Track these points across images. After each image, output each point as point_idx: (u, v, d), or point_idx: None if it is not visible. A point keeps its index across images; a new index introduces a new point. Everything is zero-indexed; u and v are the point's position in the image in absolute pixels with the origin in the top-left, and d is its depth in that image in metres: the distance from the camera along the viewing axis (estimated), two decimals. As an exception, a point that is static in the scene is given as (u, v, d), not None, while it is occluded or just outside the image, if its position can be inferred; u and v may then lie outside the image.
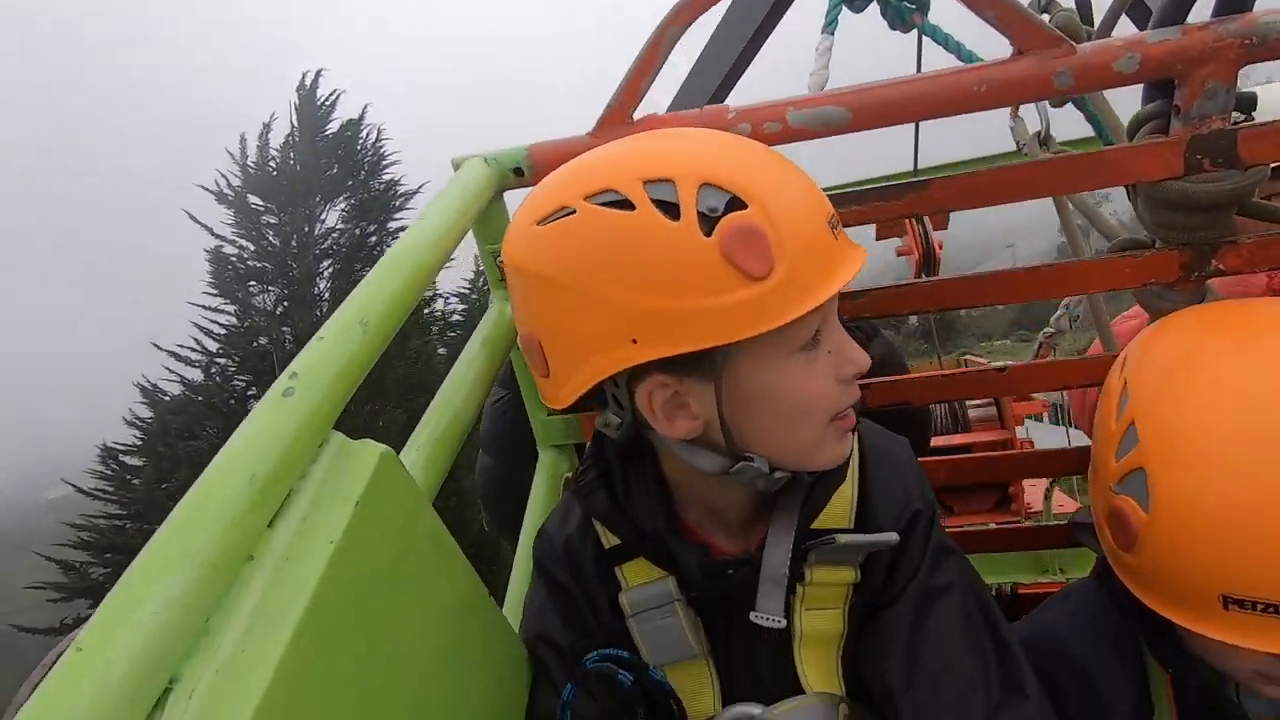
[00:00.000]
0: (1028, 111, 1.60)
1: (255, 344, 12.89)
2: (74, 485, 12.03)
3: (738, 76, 1.95)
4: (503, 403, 1.53)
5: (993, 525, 1.32)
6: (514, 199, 1.11)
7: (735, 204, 0.64)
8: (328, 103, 13.95)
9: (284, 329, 12.98)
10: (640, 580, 0.84)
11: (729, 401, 0.70)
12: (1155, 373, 0.81)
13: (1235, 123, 0.90)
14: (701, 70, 1.93)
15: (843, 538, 0.79)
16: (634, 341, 0.66)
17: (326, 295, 13.36)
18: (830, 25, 1.62)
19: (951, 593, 0.81)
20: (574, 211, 0.67)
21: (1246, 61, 0.87)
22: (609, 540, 0.85)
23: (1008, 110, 1.68)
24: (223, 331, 13.13)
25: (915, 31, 1.65)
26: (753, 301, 0.64)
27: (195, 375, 12.72)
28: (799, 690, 0.83)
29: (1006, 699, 0.77)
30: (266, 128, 13.67)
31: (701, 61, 1.96)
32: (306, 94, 13.91)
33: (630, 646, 0.84)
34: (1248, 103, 0.92)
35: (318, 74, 13.95)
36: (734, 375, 0.69)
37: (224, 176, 13.35)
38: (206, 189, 13.26)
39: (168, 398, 12.37)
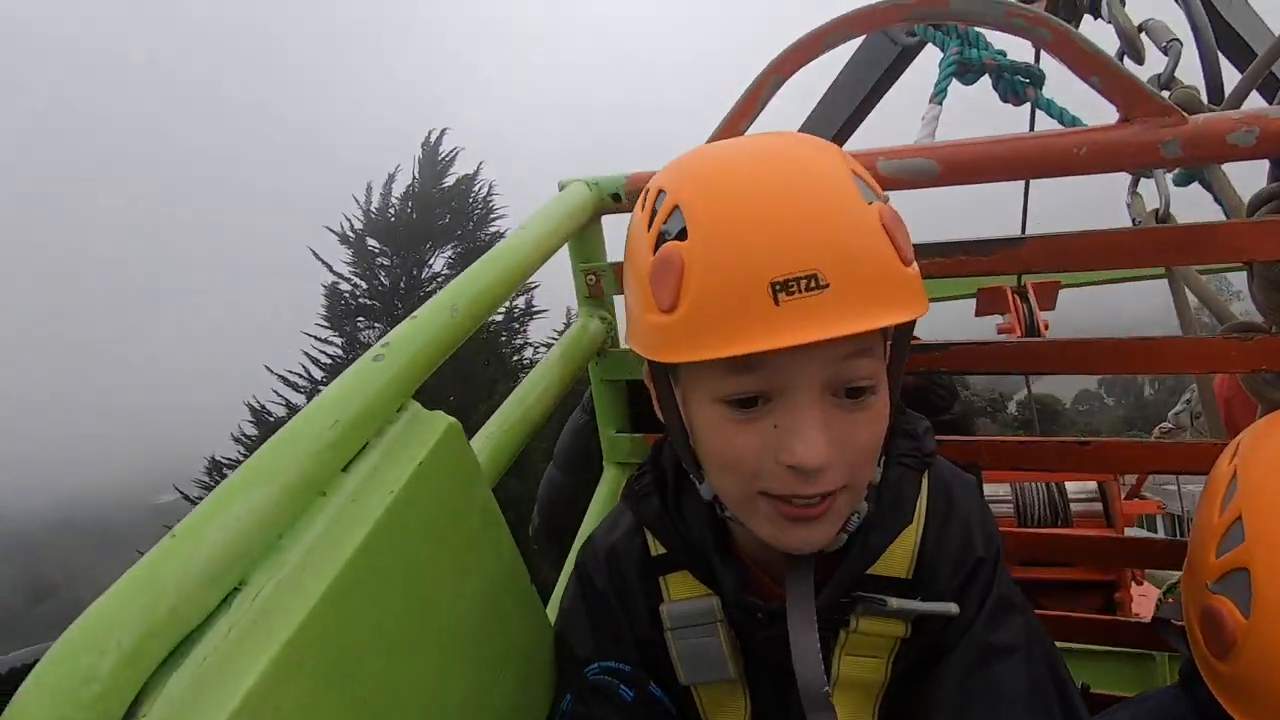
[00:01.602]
0: (1147, 190, 1.55)
1: (354, 375, 13.62)
2: (182, 493, 12.84)
3: (855, 126, 1.99)
4: (585, 427, 1.58)
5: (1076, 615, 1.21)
6: (612, 224, 1.18)
7: (682, 234, 0.64)
8: (447, 158, 15.02)
9: (382, 363, 13.64)
10: (683, 595, 0.82)
11: (686, 414, 0.72)
12: (1269, 467, 0.75)
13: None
14: (817, 118, 1.99)
15: (895, 603, 0.75)
16: (628, 325, 0.74)
17: (425, 335, 14.02)
18: (939, 95, 1.64)
19: (1014, 655, 0.74)
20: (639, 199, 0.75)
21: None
22: (656, 548, 0.84)
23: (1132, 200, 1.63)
24: (329, 361, 13.96)
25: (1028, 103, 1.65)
26: (660, 329, 0.65)
27: (300, 400, 13.51)
28: None
29: None
30: (391, 178, 14.82)
31: (819, 109, 2.02)
32: (430, 149, 15.04)
33: (665, 659, 0.82)
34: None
35: (442, 131, 15.09)
36: (682, 392, 0.71)
37: (348, 220, 14.49)
38: (332, 230, 14.40)
39: (273, 419, 13.14)
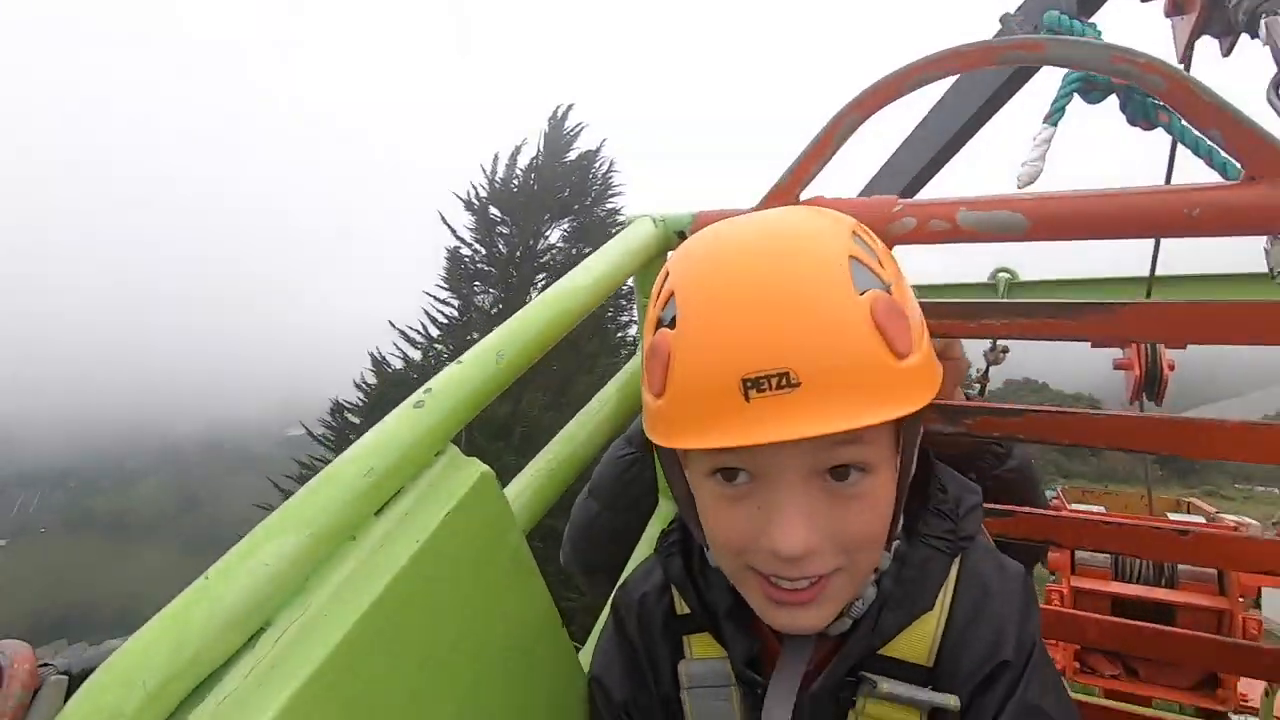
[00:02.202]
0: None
1: (469, 337, 14.31)
2: (306, 429, 14.08)
3: (938, 168, 1.86)
4: (626, 459, 1.57)
5: (1185, 711, 1.11)
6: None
7: (673, 323, 0.67)
8: (572, 133, 15.29)
9: (495, 328, 14.28)
10: (703, 654, 0.83)
11: (692, 488, 0.73)
12: None
13: None
14: (899, 160, 1.87)
15: (887, 686, 0.72)
16: None
17: (536, 305, 14.53)
18: (1055, 115, 1.50)
19: None
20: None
21: None
22: (681, 607, 0.85)
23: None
24: (445, 322, 14.75)
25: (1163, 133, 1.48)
26: (653, 410, 0.69)
27: (416, 355, 14.38)
28: None
29: None
30: (517, 150, 15.28)
31: (904, 146, 1.90)
32: (556, 123, 15.36)
33: (680, 716, 0.83)
34: None
35: (569, 107, 15.35)
36: (686, 464, 0.73)
37: (474, 188, 15.11)
38: (459, 197, 15.08)
39: (391, 370, 14.10)
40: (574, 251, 14.72)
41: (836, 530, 0.65)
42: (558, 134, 15.37)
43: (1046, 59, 0.84)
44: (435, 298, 14.75)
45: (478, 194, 15.17)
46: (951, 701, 0.70)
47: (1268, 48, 1.25)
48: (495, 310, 14.66)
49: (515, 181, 15.19)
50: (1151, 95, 0.84)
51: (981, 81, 1.75)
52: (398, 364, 14.12)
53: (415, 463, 0.70)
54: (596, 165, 15.22)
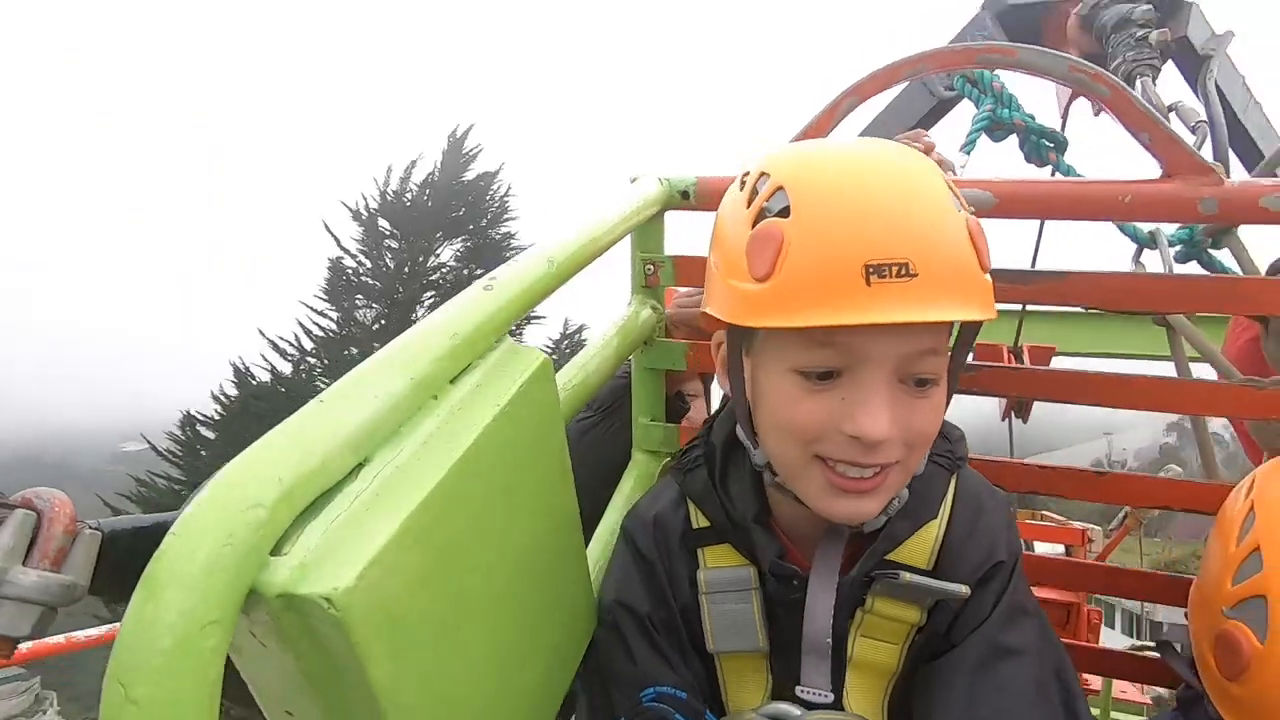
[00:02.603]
0: (1150, 260, 1.65)
1: (347, 352, 13.60)
2: (149, 442, 12.73)
3: None
4: (585, 423, 1.61)
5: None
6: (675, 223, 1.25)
7: (784, 213, 0.69)
8: (471, 153, 15.15)
9: (375, 345, 13.68)
10: (720, 564, 0.87)
11: (749, 382, 0.78)
12: None
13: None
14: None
15: (908, 577, 0.79)
16: (707, 294, 0.81)
17: (422, 323, 14.10)
18: (968, 147, 1.74)
19: (1024, 657, 0.79)
20: (735, 181, 0.82)
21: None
22: (699, 521, 0.89)
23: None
24: (321, 334, 13.95)
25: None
26: (749, 296, 0.70)
27: (286, 368, 13.46)
28: (841, 706, 0.83)
29: None
30: (412, 164, 14.93)
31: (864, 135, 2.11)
32: (455, 141, 15.17)
33: (697, 627, 0.86)
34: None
35: (469, 127, 15.24)
36: (753, 360, 0.77)
37: (364, 199, 14.55)
38: (347, 206, 14.46)
39: (255, 382, 13.10)
40: (465, 272, 14.47)
41: (906, 424, 0.71)
42: (456, 153, 15.18)
43: (1019, 63, 1.00)
44: (313, 309, 13.97)
45: (367, 205, 14.63)
46: (964, 589, 0.79)
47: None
48: (377, 326, 14.06)
49: (408, 196, 14.79)
50: (1096, 102, 1.02)
51: (908, 111, 1.99)
52: (264, 376, 13.16)
53: (485, 340, 0.72)
54: (494, 187, 15.13)
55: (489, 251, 14.60)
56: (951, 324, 0.75)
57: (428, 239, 14.59)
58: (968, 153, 1.74)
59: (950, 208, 0.70)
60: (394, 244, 14.60)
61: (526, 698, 0.77)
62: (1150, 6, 1.61)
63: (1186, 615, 0.95)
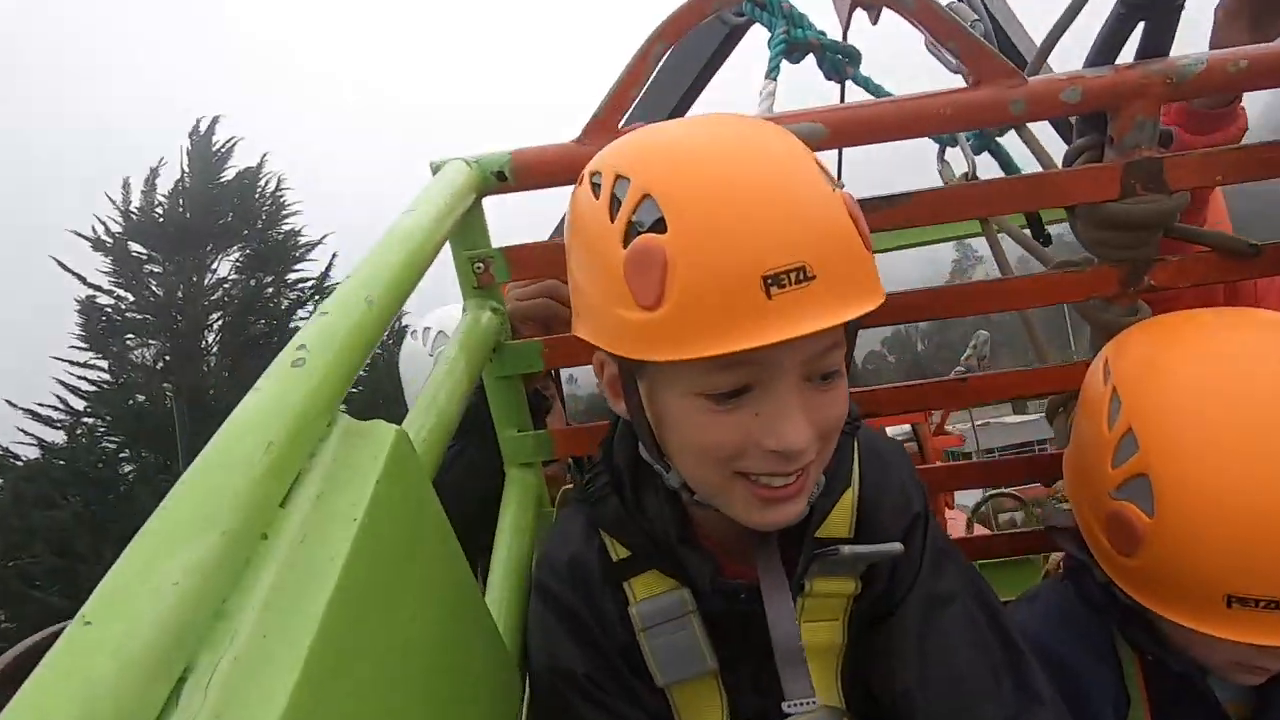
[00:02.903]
0: (954, 157, 1.73)
1: (131, 401, 11.85)
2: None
3: (688, 106, 2.01)
4: (452, 451, 1.45)
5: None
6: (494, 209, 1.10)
7: (659, 225, 0.63)
8: (224, 149, 13.41)
9: (165, 385, 12.02)
10: (651, 593, 0.80)
11: (648, 404, 0.71)
12: (1148, 380, 0.84)
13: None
14: (650, 100, 2.00)
15: (847, 549, 0.77)
16: (579, 315, 0.74)
17: (215, 349, 12.54)
18: (772, 72, 1.72)
19: (956, 601, 0.81)
20: (582, 182, 0.72)
21: (1168, 99, 0.99)
22: (618, 553, 0.81)
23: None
24: (92, 388, 12.02)
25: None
26: (641, 328, 0.63)
27: (57, 437, 11.49)
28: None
29: (1023, 706, 0.77)
30: (154, 172, 12.98)
31: (651, 90, 2.02)
32: (200, 139, 13.33)
33: (640, 664, 0.80)
34: (1166, 138, 1.04)
35: (214, 120, 13.42)
36: (649, 383, 0.71)
37: (102, 223, 12.47)
38: (81, 235, 12.33)
39: (21, 462, 11.08)
40: (253, 282, 12.99)
41: (820, 424, 0.67)
42: (205, 151, 13.35)
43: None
44: (72, 362, 11.94)
45: (108, 230, 12.54)
46: (898, 546, 0.77)
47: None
48: (161, 364, 12.34)
49: (159, 210, 12.87)
50: (903, 14, 0.99)
51: (702, 45, 1.93)
52: (32, 452, 11.15)
53: (312, 431, 0.56)
54: (261, 184, 13.53)
55: (275, 255, 13.18)
56: None
57: (197, 255, 12.84)
58: (774, 77, 1.72)
59: (827, 189, 0.65)
60: (155, 268, 12.73)
61: None
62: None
63: (1061, 493, 1.02)
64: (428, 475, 0.67)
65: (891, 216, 1.03)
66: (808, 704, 0.74)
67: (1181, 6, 0.96)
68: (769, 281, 0.60)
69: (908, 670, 0.78)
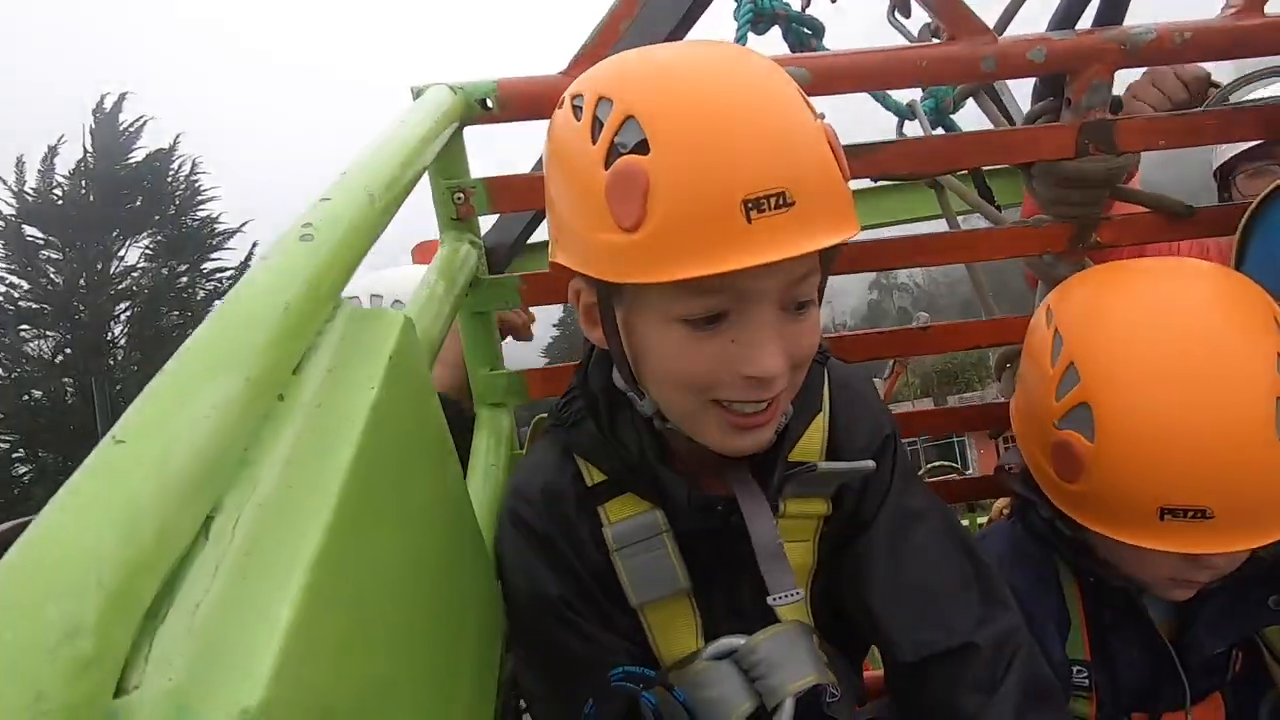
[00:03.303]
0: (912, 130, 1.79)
1: (25, 397, 10.97)
2: None
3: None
4: None
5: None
6: (476, 141, 1.07)
7: (642, 147, 0.62)
8: (132, 129, 12.60)
9: (65, 380, 11.18)
10: (625, 515, 0.80)
11: (623, 331, 0.71)
12: (1088, 320, 0.91)
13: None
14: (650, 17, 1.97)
15: (823, 465, 0.80)
16: (557, 241, 0.72)
17: (123, 341, 11.74)
18: (740, 41, 1.75)
19: (928, 516, 0.84)
20: (563, 105, 0.71)
21: (1121, 65, 1.06)
22: (593, 477, 0.81)
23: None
24: (-22, 381, 11.07)
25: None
26: (621, 250, 0.63)
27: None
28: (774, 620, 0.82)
29: (990, 613, 0.81)
30: (52, 150, 12.06)
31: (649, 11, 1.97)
32: (106, 117, 12.49)
33: (615, 583, 0.79)
34: (1116, 104, 1.12)
35: (121, 96, 12.60)
36: (626, 309, 0.70)
37: (-8, 203, 11.52)
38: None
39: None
40: (165, 271, 12.24)
41: (793, 352, 0.68)
42: (111, 130, 12.49)
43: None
44: (-46, 352, 10.96)
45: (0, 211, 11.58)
46: (871, 464, 0.80)
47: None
48: (61, 358, 11.46)
49: (58, 191, 11.97)
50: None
51: (668, 10, 1.94)
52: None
53: (323, 305, 0.53)
54: (175, 166, 12.77)
55: (191, 242, 12.46)
56: None
57: (101, 240, 12.01)
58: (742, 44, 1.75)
59: (809, 118, 0.66)
60: (54, 254, 11.84)
61: (465, 706, 0.64)
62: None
63: (1009, 439, 1.08)
64: (428, 367, 0.65)
65: (864, 165, 1.06)
66: (791, 595, 0.75)
67: (1136, -26, 1.03)
68: (749, 205, 0.60)
69: (879, 581, 0.80)
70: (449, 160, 1.02)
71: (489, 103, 1.01)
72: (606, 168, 0.63)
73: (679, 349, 0.67)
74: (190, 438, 0.37)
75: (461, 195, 1.03)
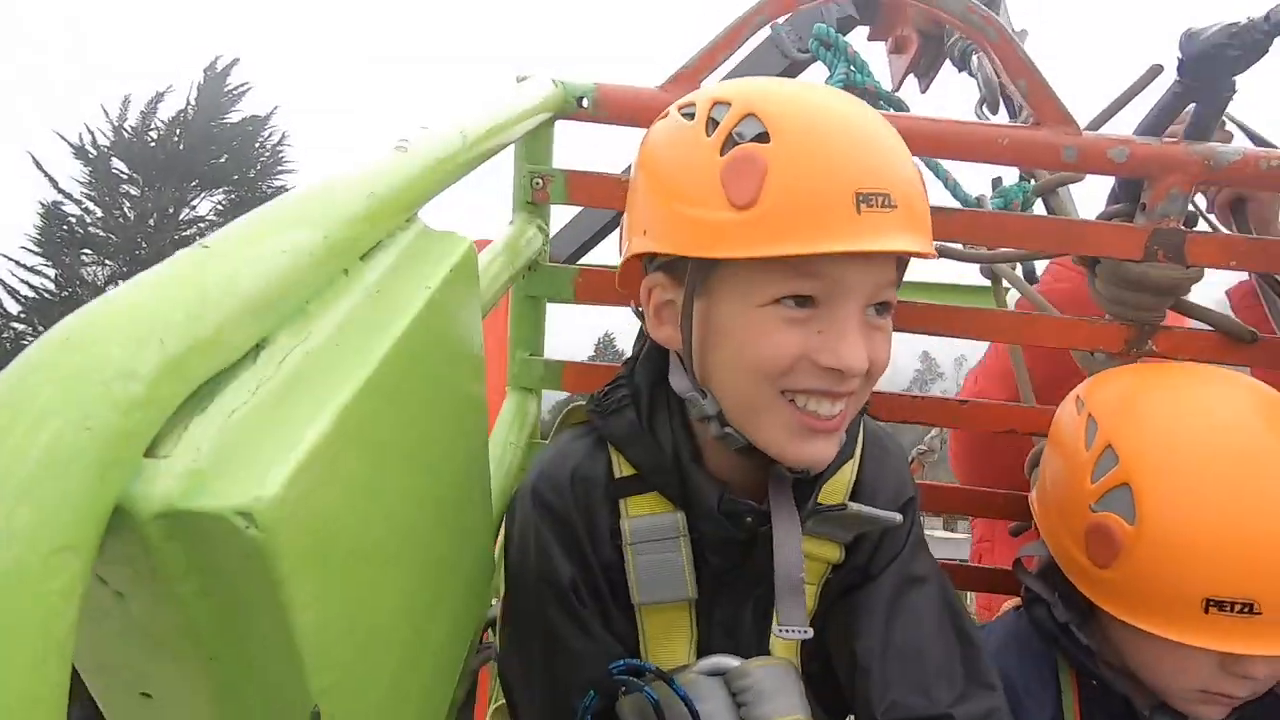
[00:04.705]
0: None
1: (69, 316, 11.32)
2: None
3: None
4: None
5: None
6: (567, 136, 1.12)
7: (763, 138, 0.67)
8: (235, 92, 13.23)
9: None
10: (645, 511, 0.80)
11: (700, 324, 0.73)
12: (1125, 403, 0.91)
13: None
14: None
15: (854, 507, 0.79)
16: (644, 232, 0.74)
17: (173, 284, 12.10)
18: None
19: (929, 584, 0.84)
20: (667, 115, 0.76)
21: (1202, 180, 1.07)
22: (622, 469, 0.81)
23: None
24: (31, 296, 11.47)
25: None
26: (726, 226, 0.66)
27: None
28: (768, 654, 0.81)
29: (972, 690, 0.79)
30: (158, 96, 12.70)
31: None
32: (215, 76, 13.15)
33: (621, 578, 0.79)
34: (1192, 219, 1.13)
35: (232, 61, 13.28)
36: (710, 299, 0.72)
37: (91, 133, 12.12)
38: (65, 139, 11.96)
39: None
40: (229, 228, 12.68)
41: (870, 353, 0.70)
42: (216, 89, 13.12)
43: (922, -1, 1.02)
44: (19, 263, 11.40)
45: (95, 141, 12.19)
46: (897, 517, 0.80)
47: (976, 77, 1.68)
48: (112, 287, 11.86)
49: (153, 135, 12.56)
50: (983, 44, 1.06)
51: (759, 72, 2.02)
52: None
53: (403, 209, 0.56)
54: (265, 134, 13.34)
55: (259, 204, 12.91)
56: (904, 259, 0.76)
57: (179, 187, 12.52)
58: None
59: (908, 151, 0.72)
60: (133, 190, 12.36)
61: (434, 654, 0.63)
62: (978, -9, 1.77)
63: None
64: (479, 296, 0.67)
65: (936, 226, 1.07)
66: (801, 630, 0.74)
67: (1230, 99, 1.05)
68: (861, 198, 0.64)
69: (872, 635, 0.79)
70: (535, 146, 1.07)
71: (585, 102, 1.05)
72: (722, 155, 0.67)
73: (763, 332, 0.68)
74: (263, 266, 0.39)
75: (540, 181, 1.07)
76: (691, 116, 0.72)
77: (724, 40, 1.06)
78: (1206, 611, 0.76)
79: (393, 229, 0.56)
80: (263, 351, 0.40)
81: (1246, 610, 0.75)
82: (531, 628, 0.80)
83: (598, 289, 1.10)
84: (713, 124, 0.69)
